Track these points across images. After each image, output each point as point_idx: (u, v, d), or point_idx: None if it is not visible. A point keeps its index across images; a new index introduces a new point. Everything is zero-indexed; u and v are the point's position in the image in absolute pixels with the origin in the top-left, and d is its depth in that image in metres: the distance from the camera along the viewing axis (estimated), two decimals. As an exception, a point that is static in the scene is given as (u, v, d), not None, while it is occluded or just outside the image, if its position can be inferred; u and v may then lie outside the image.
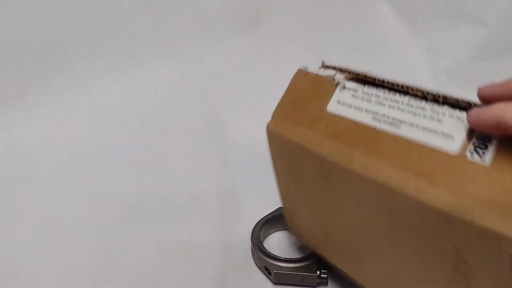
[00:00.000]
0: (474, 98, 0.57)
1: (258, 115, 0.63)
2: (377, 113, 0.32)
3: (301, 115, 0.36)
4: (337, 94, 0.35)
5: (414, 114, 0.31)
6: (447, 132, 0.29)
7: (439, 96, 0.30)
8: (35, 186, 0.53)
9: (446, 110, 0.29)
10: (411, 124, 0.30)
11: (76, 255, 0.45)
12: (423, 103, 0.31)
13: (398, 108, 0.32)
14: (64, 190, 0.52)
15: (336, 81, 0.36)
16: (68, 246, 0.46)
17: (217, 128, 0.59)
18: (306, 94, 0.37)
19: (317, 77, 0.37)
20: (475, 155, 0.27)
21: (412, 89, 0.32)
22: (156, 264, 0.45)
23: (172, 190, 0.52)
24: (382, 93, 0.33)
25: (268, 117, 0.63)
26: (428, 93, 0.31)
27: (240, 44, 0.67)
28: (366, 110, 0.33)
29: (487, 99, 0.28)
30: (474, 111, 0.27)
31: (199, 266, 0.44)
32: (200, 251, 0.46)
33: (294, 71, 0.68)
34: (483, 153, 0.27)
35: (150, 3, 0.62)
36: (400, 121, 0.31)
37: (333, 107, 0.35)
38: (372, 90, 0.34)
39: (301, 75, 0.39)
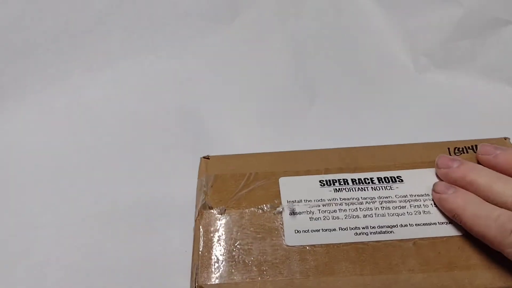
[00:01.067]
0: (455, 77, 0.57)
1: (237, 109, 0.62)
2: (357, 227, 0.29)
3: (250, 266, 0.27)
4: (288, 224, 0.29)
5: (398, 215, 0.29)
6: (444, 220, 0.29)
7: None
8: (11, 189, 0.51)
9: (424, 201, 0.30)
10: (402, 225, 0.29)
11: (50, 256, 0.44)
12: (390, 194, 0.30)
13: (376, 214, 0.29)
14: (39, 193, 0.51)
15: (277, 210, 0.30)
16: (42, 247, 0.45)
17: (195, 125, 0.58)
18: (235, 237, 0.29)
19: (242, 213, 0.30)
20: None
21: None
22: (130, 262, 0.44)
23: (148, 188, 0.51)
24: (339, 199, 0.30)
25: (247, 113, 0.62)
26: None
27: (217, 39, 0.64)
28: (342, 229, 0.28)
29: None
30: (437, 195, 0.29)
31: (174, 262, 0.43)
32: (175, 247, 0.45)
33: (273, 63, 0.67)
34: None
35: (122, 1, 0.61)
36: (389, 226, 0.29)
37: (293, 240, 0.28)
38: (325, 201, 0.30)
39: (209, 217, 0.30)
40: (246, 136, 0.56)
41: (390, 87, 0.59)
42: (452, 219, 0.28)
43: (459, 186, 0.29)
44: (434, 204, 0.29)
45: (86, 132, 0.58)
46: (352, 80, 0.60)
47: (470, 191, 0.28)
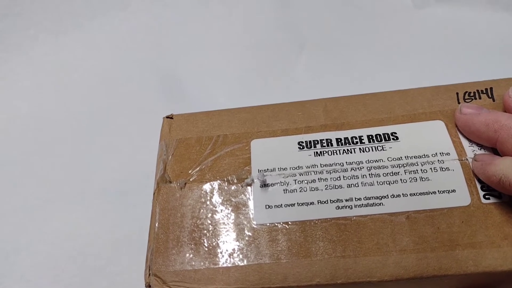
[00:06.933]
0: (457, 10, 0.50)
1: (217, 65, 0.56)
2: (339, 199, 0.24)
3: (212, 249, 0.24)
4: (258, 198, 0.24)
5: (390, 183, 0.24)
6: (446, 188, 0.23)
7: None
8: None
9: (422, 165, 0.24)
10: (394, 196, 0.23)
11: (18, 243, 0.42)
12: (381, 157, 0.25)
13: (363, 183, 0.24)
14: (7, 171, 0.47)
15: (245, 182, 0.25)
16: (9, 233, 0.42)
17: (173, 84, 0.53)
18: (196, 216, 0.25)
19: (205, 186, 0.25)
20: (492, 198, 0.23)
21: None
22: (105, 242, 0.40)
23: (124, 157, 0.47)
24: (319, 166, 0.25)
25: (229, 68, 0.52)
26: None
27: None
28: (321, 202, 0.24)
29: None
30: (479, 162, 0.23)
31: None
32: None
33: (255, 9, 0.60)
34: (499, 193, 0.23)
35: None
36: (378, 197, 0.23)
37: (262, 217, 0.24)
38: (302, 169, 0.25)
39: (168, 192, 0.25)
40: (228, 94, 0.51)
41: (386, 26, 0.52)
42: (497, 187, 0.22)
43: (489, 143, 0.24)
44: (435, 168, 0.24)
45: (56, 102, 0.53)
46: (344, 21, 0.54)
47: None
